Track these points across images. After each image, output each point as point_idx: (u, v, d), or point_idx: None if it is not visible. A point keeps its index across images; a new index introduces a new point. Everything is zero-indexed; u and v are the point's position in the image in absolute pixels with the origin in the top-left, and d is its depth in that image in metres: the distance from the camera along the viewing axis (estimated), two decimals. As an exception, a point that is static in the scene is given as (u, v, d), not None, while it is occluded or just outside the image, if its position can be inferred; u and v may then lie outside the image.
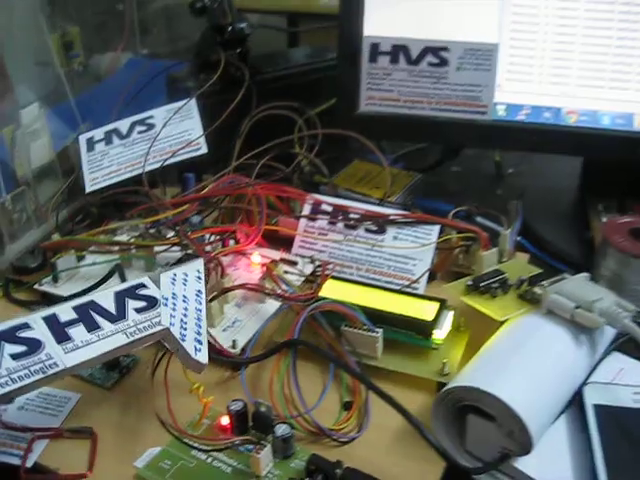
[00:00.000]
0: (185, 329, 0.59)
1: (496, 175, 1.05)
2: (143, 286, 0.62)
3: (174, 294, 0.61)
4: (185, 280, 0.63)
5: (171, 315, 0.59)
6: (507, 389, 0.57)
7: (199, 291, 0.64)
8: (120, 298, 0.61)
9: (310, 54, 1.04)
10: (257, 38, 1.02)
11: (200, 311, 0.62)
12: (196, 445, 0.58)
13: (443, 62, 0.83)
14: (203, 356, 0.58)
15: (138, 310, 0.60)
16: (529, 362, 0.61)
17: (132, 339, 0.58)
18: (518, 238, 0.84)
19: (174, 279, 0.63)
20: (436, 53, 0.83)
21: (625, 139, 0.82)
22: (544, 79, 0.82)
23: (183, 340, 0.58)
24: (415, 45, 0.83)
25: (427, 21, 0.82)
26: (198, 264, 0.66)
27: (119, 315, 0.59)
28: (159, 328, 0.58)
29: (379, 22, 0.83)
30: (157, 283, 0.62)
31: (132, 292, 0.61)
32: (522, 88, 0.83)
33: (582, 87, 0.82)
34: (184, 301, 0.61)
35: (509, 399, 0.56)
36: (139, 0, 1.15)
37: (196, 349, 0.58)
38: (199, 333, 0.60)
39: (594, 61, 0.80)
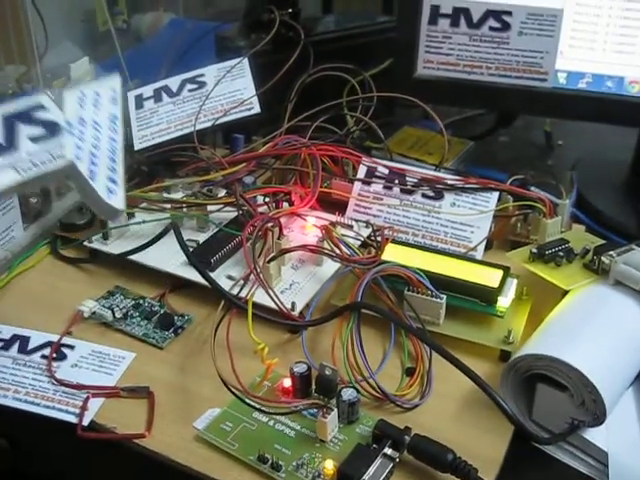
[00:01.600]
0: (95, 164, 0.48)
1: (546, 146, 1.03)
2: (41, 107, 0.49)
3: (82, 119, 0.49)
4: (97, 101, 0.51)
5: (77, 146, 0.47)
6: (581, 358, 0.55)
7: (114, 116, 0.52)
8: (9, 123, 0.48)
9: (360, 17, 1.01)
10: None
11: (115, 142, 0.51)
12: (260, 407, 0.56)
13: (505, 26, 0.81)
14: (118, 200, 0.48)
15: (34, 139, 0.47)
16: (600, 332, 0.59)
17: (25, 176, 0.45)
18: (573, 209, 0.82)
19: (82, 99, 0.50)
20: (498, 17, 0.80)
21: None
22: (608, 47, 0.80)
23: (93, 179, 0.47)
24: (477, 8, 0.81)
25: (491, -18, 0.80)
26: (113, 81, 0.55)
27: (8, 145, 0.47)
28: (61, 162, 0.46)
29: (441, -18, 0.81)
30: (60, 104, 0.49)
31: (26, 115, 0.48)
32: (585, 55, 0.81)
33: (648, 55, 0.79)
34: (95, 128, 0.49)
35: (584, 368, 0.54)
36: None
37: (109, 190, 0.47)
38: (113, 170, 0.49)
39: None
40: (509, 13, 0.80)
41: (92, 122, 0.50)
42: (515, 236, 0.78)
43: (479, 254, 0.74)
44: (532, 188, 0.82)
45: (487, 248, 0.76)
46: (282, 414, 0.57)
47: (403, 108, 1.00)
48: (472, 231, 0.75)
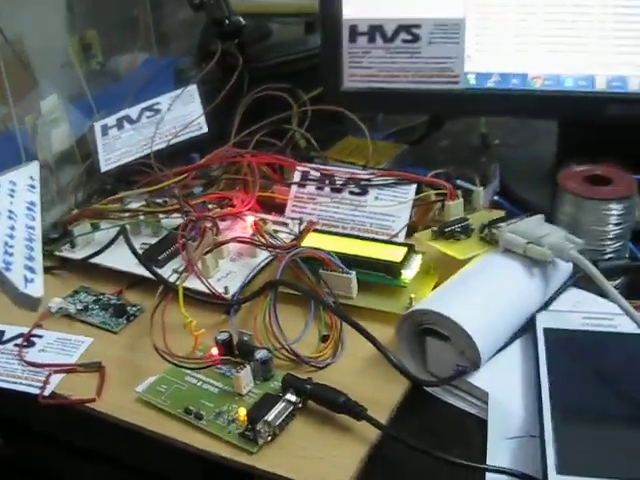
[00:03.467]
0: (11, 254, 0.47)
1: (483, 146, 1.12)
2: None
3: None
4: (12, 191, 0.51)
5: None
6: (458, 311, 0.64)
7: (31, 203, 0.52)
8: None
9: (303, 42, 1.12)
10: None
11: (33, 229, 0.50)
12: (185, 365, 0.66)
13: (415, 38, 0.91)
14: (35, 288, 0.48)
15: None
16: (481, 289, 0.69)
17: None
18: (496, 197, 0.92)
19: None
20: (409, 30, 0.91)
21: (589, 99, 0.89)
22: (509, 48, 0.90)
23: (7, 269, 0.47)
24: (389, 24, 0.91)
25: (398, 1, 0.90)
26: (31, 169, 0.55)
27: None
28: None
29: (356, 5, 0.92)
30: None
31: None
32: (490, 58, 0.91)
33: (545, 53, 0.88)
34: (10, 217, 0.49)
35: (459, 318, 0.63)
36: (153, 4, 1.26)
37: (26, 280, 0.47)
38: (30, 258, 0.48)
39: (554, 28, 0.87)
40: (418, 26, 0.90)
41: (7, 212, 0.50)
42: (435, 222, 0.86)
43: (400, 240, 0.84)
44: (458, 181, 0.92)
45: (410, 235, 0.85)
46: (200, 369, 0.67)
47: (352, 121, 1.10)
48: (394, 220, 0.85)
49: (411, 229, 0.85)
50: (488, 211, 0.86)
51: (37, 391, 0.69)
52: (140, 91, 1.06)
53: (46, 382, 0.69)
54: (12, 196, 0.52)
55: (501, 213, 0.81)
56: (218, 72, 1.02)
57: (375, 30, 0.92)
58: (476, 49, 0.91)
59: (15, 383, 0.70)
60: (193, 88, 0.98)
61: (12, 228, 0.50)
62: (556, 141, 1.01)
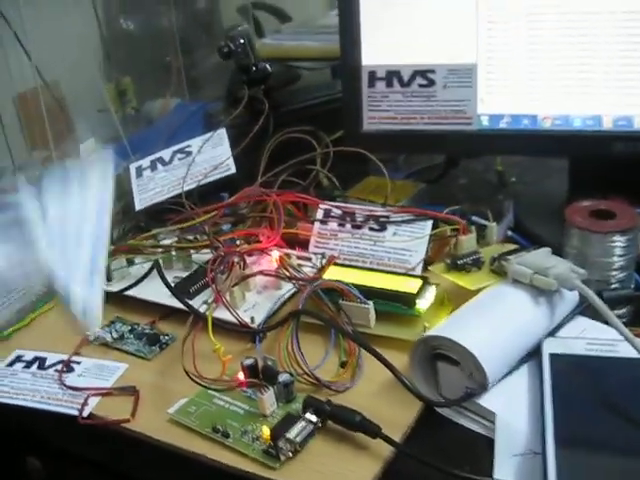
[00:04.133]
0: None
1: (500, 184, 1.17)
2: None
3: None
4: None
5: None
6: (466, 336, 0.69)
7: (101, 200, 0.45)
8: None
9: (326, 87, 1.18)
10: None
11: (99, 229, 0.44)
12: (213, 387, 0.72)
13: (431, 82, 0.97)
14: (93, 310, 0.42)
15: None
16: (489, 316, 0.73)
17: None
18: (510, 233, 0.97)
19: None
20: (424, 75, 0.97)
21: (596, 138, 0.94)
22: (519, 90, 0.95)
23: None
24: (406, 70, 0.97)
25: (414, 48, 0.96)
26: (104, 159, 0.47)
27: None
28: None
29: (374, 52, 0.98)
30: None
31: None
32: (501, 100, 0.96)
33: (554, 95, 0.94)
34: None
35: (467, 343, 0.68)
36: (184, 50, 1.33)
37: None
38: (95, 265, 0.43)
39: (563, 72, 0.92)
40: (433, 71, 0.96)
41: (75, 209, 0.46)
42: (449, 256, 0.91)
43: (417, 273, 0.89)
44: (473, 218, 0.96)
45: (425, 268, 0.90)
46: (226, 390, 0.72)
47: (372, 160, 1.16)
48: (411, 254, 0.90)
49: (427, 262, 0.90)
50: (500, 245, 0.91)
51: (76, 412, 0.74)
52: (172, 135, 1.12)
53: (84, 404, 0.75)
54: (83, 191, 0.46)
55: (511, 246, 0.85)
56: (246, 116, 1.08)
57: (392, 75, 0.98)
58: (488, 92, 0.96)
59: (57, 405, 0.75)
60: (222, 132, 1.05)
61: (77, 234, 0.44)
62: (567, 178, 1.05)
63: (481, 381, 0.68)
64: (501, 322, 0.73)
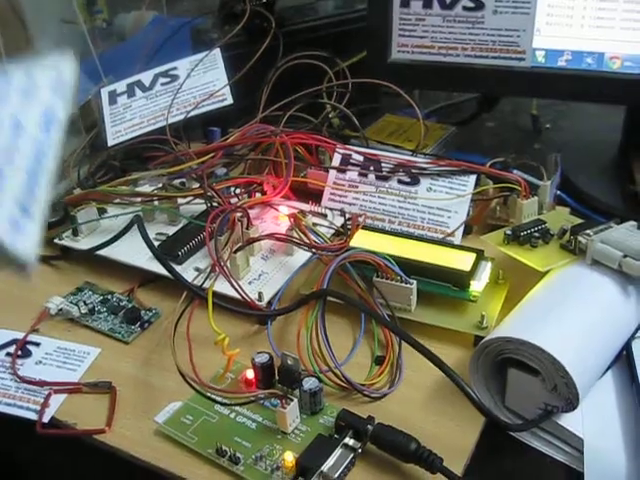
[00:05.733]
0: None
1: (533, 130, 1.01)
2: None
3: None
4: (28, 93, 0.37)
5: None
6: (552, 340, 0.53)
7: (50, 109, 0.37)
8: None
9: (339, 5, 1.00)
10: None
11: (43, 151, 0.34)
12: (219, 399, 0.54)
13: (479, 5, 0.79)
14: (26, 241, 0.31)
15: None
16: (574, 313, 0.57)
17: None
18: (558, 192, 0.80)
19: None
20: (472, -5, 0.78)
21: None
22: (586, 22, 0.77)
23: None
24: (450, -13, 0.79)
25: (462, -39, 0.78)
26: (65, 65, 0.40)
27: None
28: None
29: (411, -36, 0.79)
30: None
31: None
32: (563, 32, 0.78)
33: (627, 30, 0.76)
34: (13, 130, 0.35)
35: (555, 351, 0.52)
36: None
37: (14, 224, 0.31)
38: (29, 192, 0.32)
39: (640, 2, 0.75)
40: (483, -9, 0.78)
41: (9, 120, 0.35)
42: (494, 220, 0.76)
43: (457, 239, 0.73)
44: (514, 171, 0.80)
45: (466, 233, 0.74)
46: (240, 404, 0.55)
47: (388, 96, 0.98)
48: (449, 216, 0.74)
49: (466, 227, 0.74)
50: (558, 211, 0.75)
51: (34, 416, 0.57)
52: (151, 54, 0.93)
53: (45, 404, 0.57)
54: (27, 99, 0.36)
55: (580, 219, 0.69)
56: (243, 35, 0.88)
57: (433, -7, 0.79)
58: (548, 22, 0.78)
59: (9, 405, 0.58)
60: (217, 52, 0.85)
61: (11, 147, 0.34)
62: (621, 129, 0.89)
63: (569, 398, 0.53)
64: (589, 320, 0.57)
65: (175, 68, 0.87)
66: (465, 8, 0.79)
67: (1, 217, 0.30)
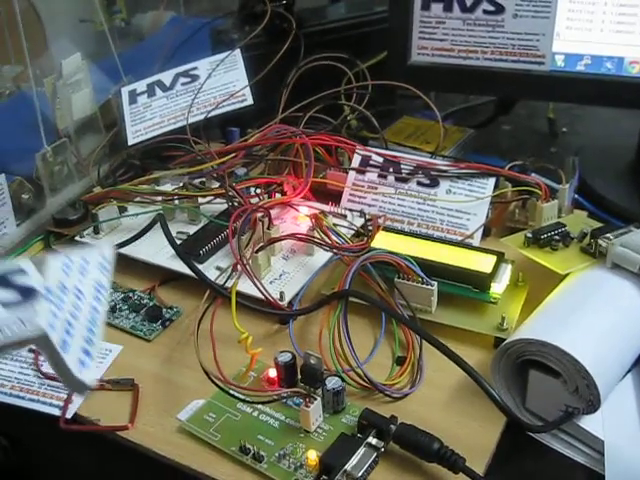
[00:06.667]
0: (70, 334, 0.42)
1: (549, 133, 1.01)
2: (20, 271, 0.43)
3: (64, 286, 0.44)
4: (83, 268, 0.46)
5: (53, 314, 0.41)
6: (573, 342, 0.53)
7: (100, 285, 0.46)
8: None
9: (358, 7, 1.00)
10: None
11: (97, 312, 0.45)
12: (242, 397, 0.55)
13: (499, 9, 0.79)
14: (89, 374, 0.42)
15: (6, 304, 0.41)
16: (595, 315, 0.57)
17: None
18: (575, 195, 0.80)
19: (68, 266, 0.45)
20: (492, 0, 0.79)
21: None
22: (606, 27, 0.78)
23: (65, 349, 0.41)
24: (470, -9, 0.79)
25: (483, -35, 0.78)
26: (105, 249, 0.49)
27: None
28: (31, 330, 0.40)
29: (433, -33, 0.80)
30: (41, 268, 0.44)
31: (2, 279, 0.42)
32: (582, 37, 0.79)
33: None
34: (77, 296, 0.44)
35: (577, 353, 0.52)
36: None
37: (81, 363, 0.42)
38: (90, 341, 0.43)
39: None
40: (503, -6, 0.78)
41: (75, 290, 0.45)
42: (514, 222, 0.76)
43: (476, 242, 0.73)
44: (532, 174, 0.80)
45: (485, 235, 0.74)
46: (263, 403, 0.55)
47: (405, 98, 0.99)
48: (468, 218, 0.74)
49: (485, 230, 0.74)
50: (576, 214, 0.75)
51: (57, 412, 0.57)
52: (171, 55, 0.93)
53: (68, 401, 0.58)
54: (82, 274, 0.46)
55: (599, 223, 0.69)
56: (263, 36, 0.89)
57: (453, -4, 0.80)
58: (568, 26, 0.79)
59: (32, 401, 0.58)
60: (237, 53, 0.86)
61: (77, 307, 0.44)
62: (639, 133, 0.89)
63: (591, 400, 0.53)
64: (610, 323, 0.57)
65: (195, 68, 0.87)
66: (485, 11, 0.79)
67: (73, 357, 0.41)
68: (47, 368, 0.61)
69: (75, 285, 0.45)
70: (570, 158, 0.83)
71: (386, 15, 0.92)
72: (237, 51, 0.86)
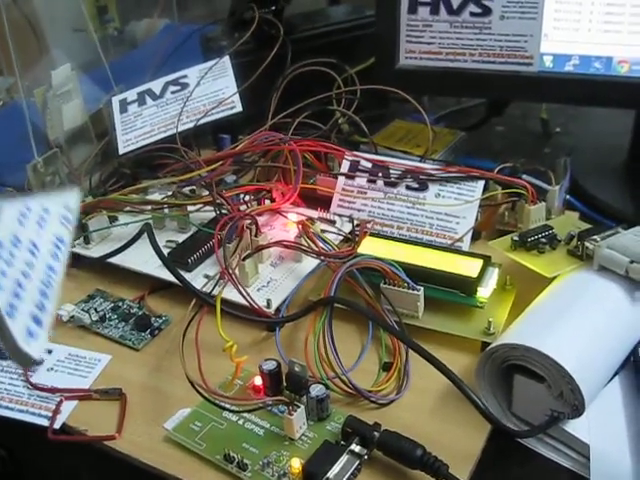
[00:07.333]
0: (19, 297, 0.37)
1: (543, 134, 1.01)
2: None
3: (17, 238, 0.39)
4: (43, 219, 0.41)
5: (1, 271, 0.37)
6: (558, 347, 0.53)
7: (61, 240, 0.41)
8: None
9: (348, 12, 1.00)
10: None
11: (53, 272, 0.40)
12: (227, 406, 0.55)
13: (486, 11, 0.79)
14: (35, 346, 0.37)
15: None
16: (580, 319, 0.57)
17: None
18: (567, 196, 0.80)
19: (25, 215, 0.40)
20: (478, 2, 0.79)
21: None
22: (594, 26, 0.77)
23: (11, 314, 0.36)
24: (456, -7, 0.79)
25: (469, -33, 0.78)
26: (70, 198, 0.44)
27: None
28: None
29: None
30: None
31: None
32: (570, 37, 0.78)
33: (635, 34, 0.76)
34: (31, 252, 0.39)
35: (560, 357, 0.52)
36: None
37: (29, 332, 0.37)
38: (42, 307, 0.38)
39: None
40: (490, -3, 0.78)
41: (29, 244, 0.39)
42: (503, 225, 0.76)
43: (465, 245, 0.73)
44: (523, 176, 0.80)
45: (475, 239, 0.74)
46: (248, 411, 0.55)
47: (397, 102, 0.99)
48: (458, 222, 0.74)
49: (475, 233, 0.74)
50: (567, 215, 0.75)
51: (45, 422, 0.57)
52: (162, 62, 0.94)
53: (56, 411, 0.58)
54: (41, 226, 0.41)
55: (587, 225, 0.69)
56: (252, 43, 0.89)
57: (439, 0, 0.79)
58: (555, 26, 0.79)
59: (21, 412, 0.59)
60: (226, 60, 0.86)
61: (30, 265, 0.39)
62: (631, 132, 0.89)
63: (575, 404, 0.53)
64: (595, 326, 0.57)
65: (185, 76, 0.88)
66: (472, 14, 0.79)
67: (19, 324, 0.36)
68: (36, 379, 0.61)
69: (30, 238, 0.39)
70: (561, 159, 0.82)
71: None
72: (226, 58, 0.86)
